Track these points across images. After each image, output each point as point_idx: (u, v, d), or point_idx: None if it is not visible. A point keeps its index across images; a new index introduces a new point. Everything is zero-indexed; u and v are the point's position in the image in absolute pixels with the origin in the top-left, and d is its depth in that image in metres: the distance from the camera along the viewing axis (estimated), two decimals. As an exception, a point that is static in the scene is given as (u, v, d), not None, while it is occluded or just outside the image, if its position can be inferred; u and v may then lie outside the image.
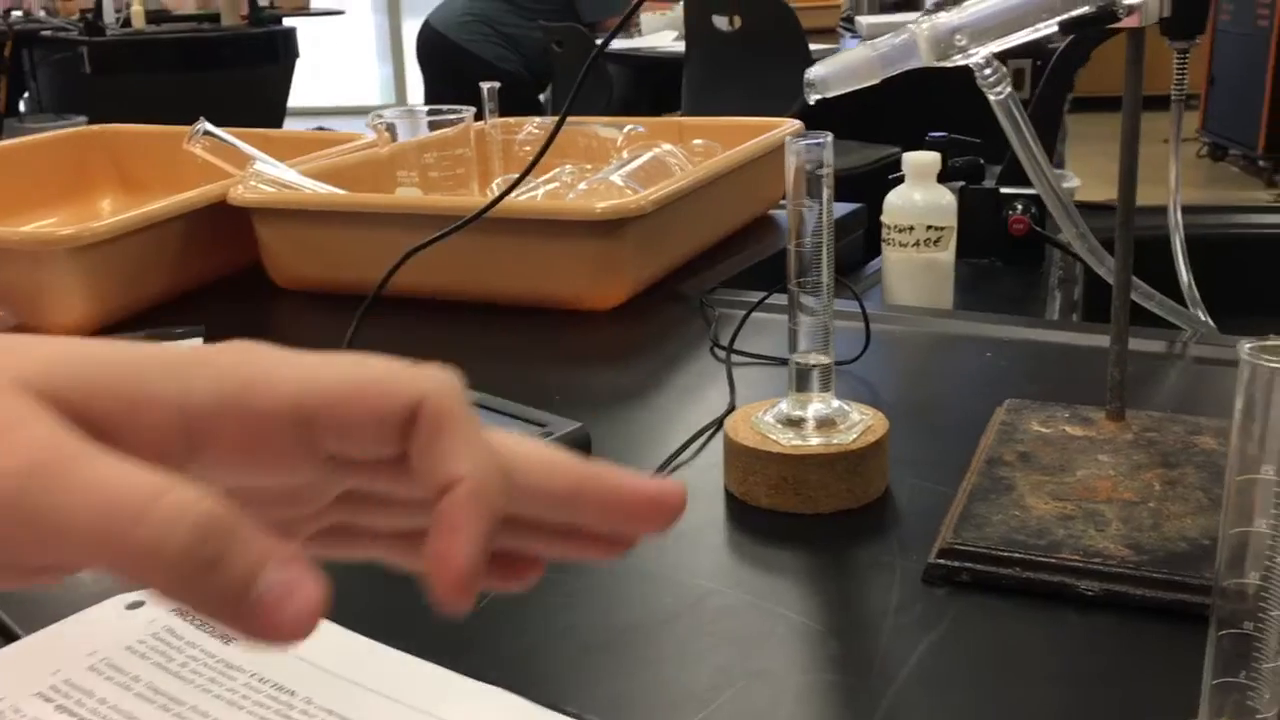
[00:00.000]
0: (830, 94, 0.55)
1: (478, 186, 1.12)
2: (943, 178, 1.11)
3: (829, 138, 0.55)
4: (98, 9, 4.87)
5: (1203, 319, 0.95)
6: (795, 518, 0.57)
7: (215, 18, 5.17)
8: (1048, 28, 0.49)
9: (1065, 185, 2.31)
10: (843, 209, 1.19)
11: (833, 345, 0.59)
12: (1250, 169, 5.14)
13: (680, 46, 3.14)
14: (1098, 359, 0.65)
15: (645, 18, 3.64)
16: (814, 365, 0.58)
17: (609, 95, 3.18)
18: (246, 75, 4.78)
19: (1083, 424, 0.62)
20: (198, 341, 0.85)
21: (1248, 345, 0.36)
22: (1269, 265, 1.39)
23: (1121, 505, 0.53)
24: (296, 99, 5.07)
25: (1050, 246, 1.18)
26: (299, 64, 5.00)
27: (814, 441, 0.58)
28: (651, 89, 3.64)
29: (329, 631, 0.47)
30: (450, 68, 3.62)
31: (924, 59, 0.52)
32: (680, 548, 0.57)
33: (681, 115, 3.30)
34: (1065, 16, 0.49)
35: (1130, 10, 0.51)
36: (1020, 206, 1.15)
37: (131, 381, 0.25)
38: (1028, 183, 1.23)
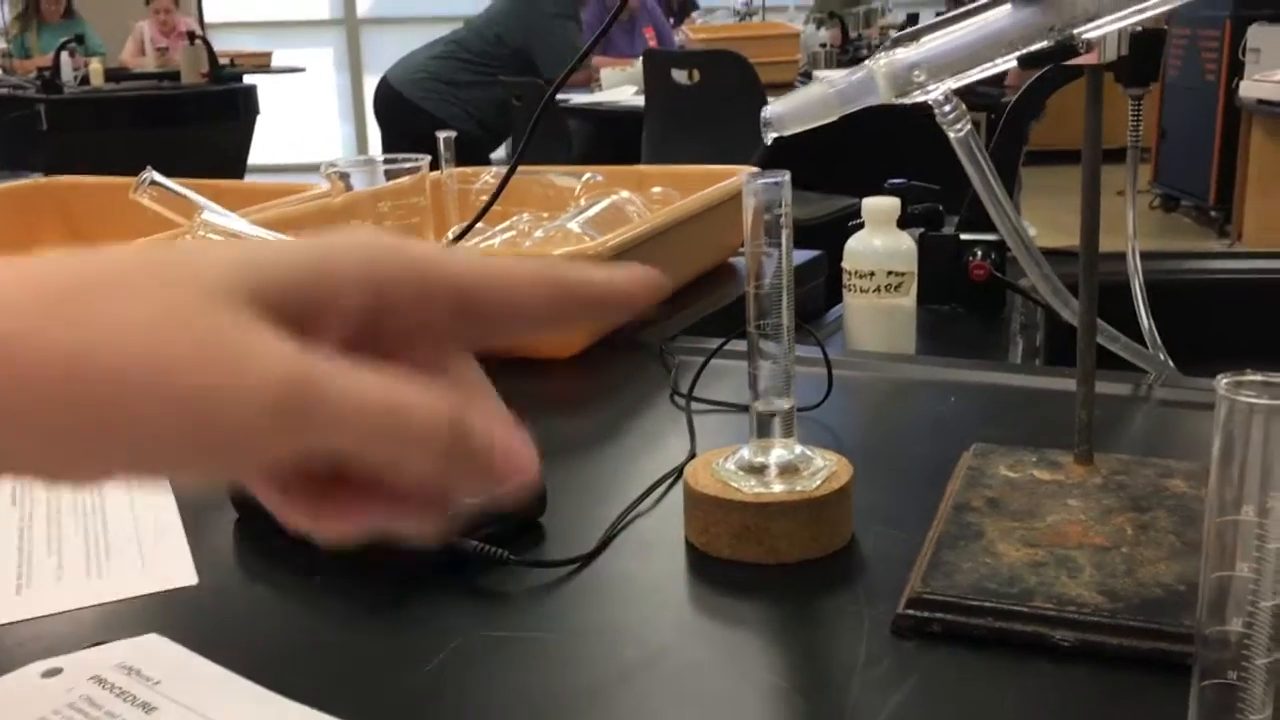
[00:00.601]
0: (788, 132, 0.54)
1: (434, 236, 1.10)
2: (902, 224, 1.10)
3: (786, 177, 0.54)
4: (55, 67, 4.84)
5: (1165, 361, 0.95)
6: (759, 568, 0.55)
7: (176, 75, 5.16)
8: (1006, 63, 0.49)
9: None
10: (803, 256, 1.19)
11: (794, 390, 0.57)
12: (1202, 219, 5.24)
13: (640, 101, 3.16)
14: (1063, 403, 0.64)
15: (605, 73, 3.67)
16: (776, 411, 0.57)
17: (568, 150, 3.19)
18: (206, 132, 4.76)
19: (1051, 468, 0.60)
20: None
21: (1224, 380, 0.34)
22: (1224, 310, 1.39)
23: (1094, 551, 0.52)
24: (259, 155, 5.06)
25: (1011, 292, 1.18)
26: (261, 120, 4.99)
27: (777, 489, 0.56)
28: (612, 143, 3.65)
29: (265, 699, 0.44)
30: (406, 125, 3.62)
31: (882, 95, 0.51)
32: (639, 602, 0.54)
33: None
34: (1024, 51, 0.48)
35: (1090, 46, 0.50)
36: (980, 252, 1.14)
37: (325, 276, 0.28)
38: (987, 229, 1.23)
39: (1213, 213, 5.02)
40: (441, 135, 1.21)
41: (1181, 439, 0.72)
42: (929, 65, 0.49)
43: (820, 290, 1.21)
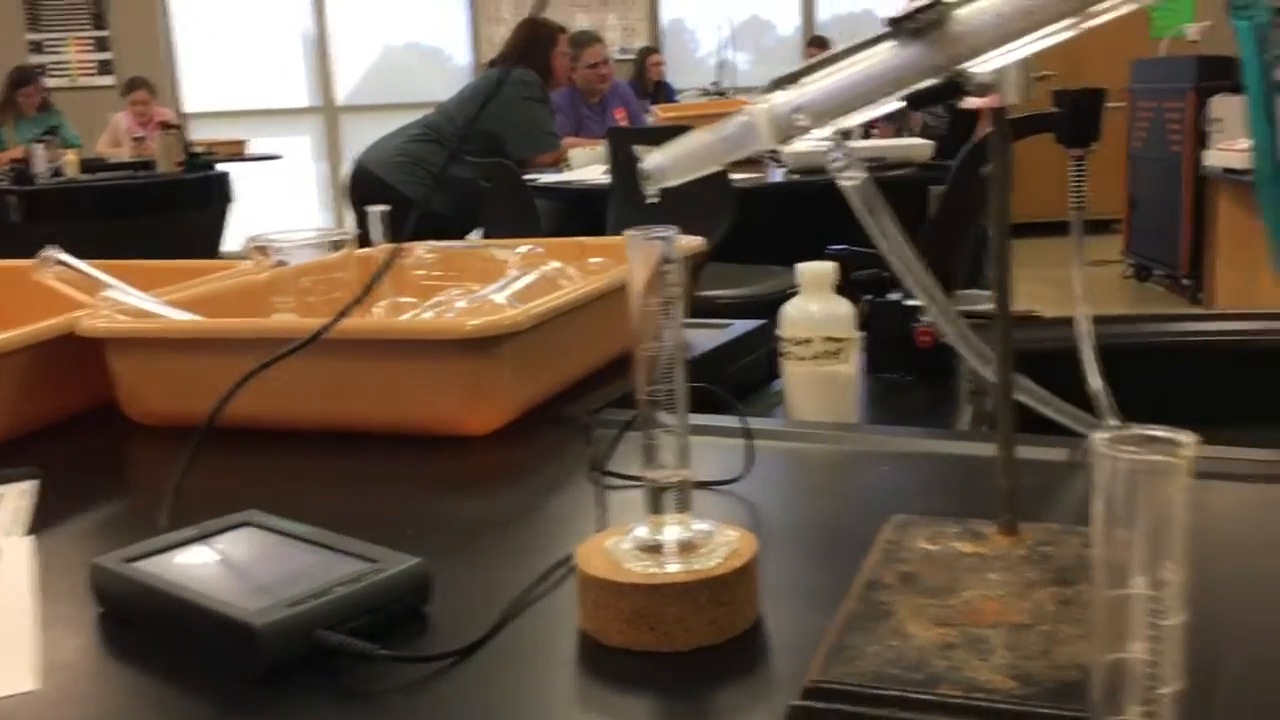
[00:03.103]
0: (670, 183, 0.50)
1: (359, 312, 1.06)
2: (847, 291, 1.07)
3: (674, 232, 0.51)
4: (28, 160, 4.85)
5: (1104, 422, 0.91)
6: (652, 657, 0.50)
7: (151, 164, 5.17)
8: (892, 104, 0.45)
9: (986, 307, 2.30)
10: (745, 326, 1.15)
11: (689, 460, 0.53)
12: (1175, 288, 5.25)
13: (607, 179, 3.16)
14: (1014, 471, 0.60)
15: (574, 153, 3.68)
16: (669, 484, 0.52)
17: (537, 229, 3.18)
18: (179, 219, 4.75)
19: (973, 539, 0.56)
20: (30, 486, 0.77)
21: (1102, 437, 0.30)
22: (1189, 373, 1.36)
23: (1010, 629, 0.47)
24: (239, 243, 5.06)
25: (961, 358, 1.15)
26: (242, 207, 5.00)
27: (672, 568, 0.51)
28: (582, 221, 3.64)
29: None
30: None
31: (764, 141, 0.48)
32: (521, 699, 0.49)
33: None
34: (910, 90, 0.45)
35: (985, 89, 0.47)
36: (926, 319, 1.11)
37: None
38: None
39: (1185, 281, 5.04)
40: (374, 210, 1.18)
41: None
42: (811, 109, 0.46)
43: (764, 360, 1.17)
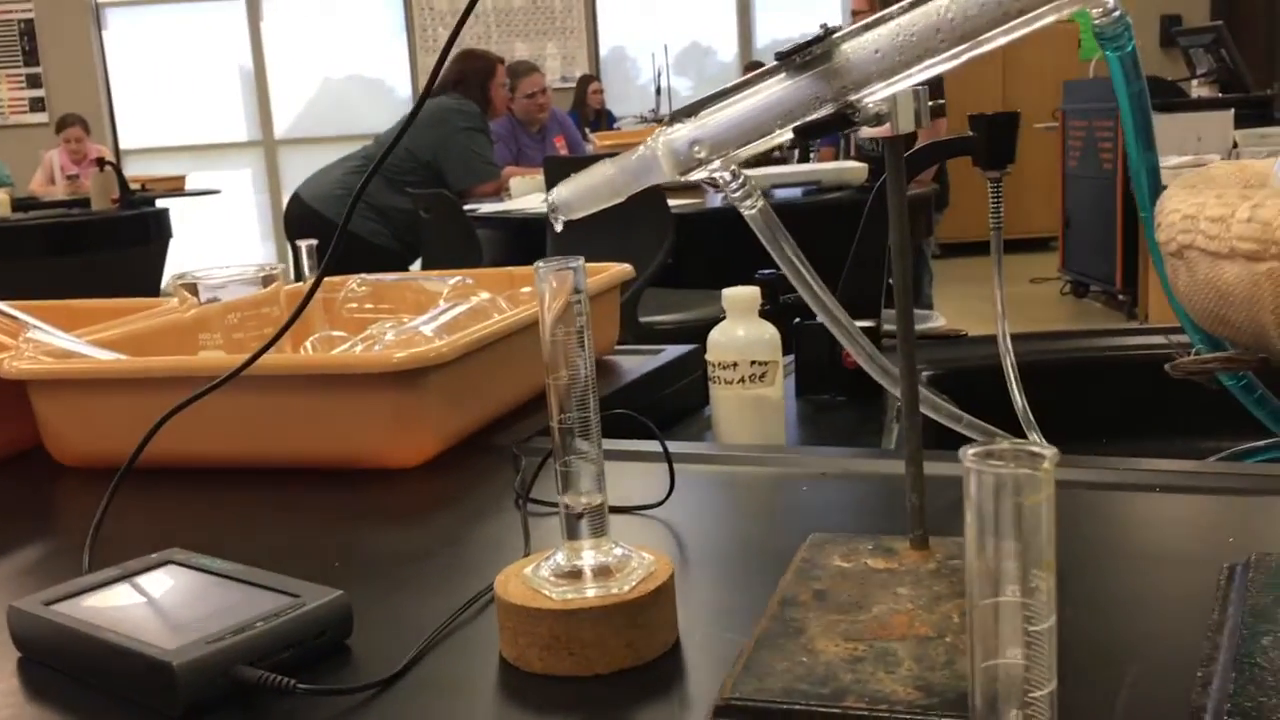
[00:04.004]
0: (575, 216, 0.51)
1: (291, 346, 1.07)
2: (776, 314, 1.09)
3: (580, 261, 0.52)
4: (-42, 199, 4.77)
5: (1028, 436, 0.93)
6: (572, 682, 0.51)
7: (86, 202, 5.10)
8: (784, 134, 0.47)
9: (931, 324, 2.34)
10: (676, 351, 1.17)
11: (604, 485, 0.54)
12: (1112, 303, 5.36)
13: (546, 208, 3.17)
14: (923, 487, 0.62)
15: (514, 182, 3.69)
16: (583, 510, 0.53)
17: (479, 259, 3.18)
18: (117, 257, 4.68)
19: (885, 555, 0.57)
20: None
21: (970, 451, 0.32)
22: (1119, 386, 1.39)
23: (916, 642, 0.48)
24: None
25: (889, 378, 1.17)
26: (184, 243, 4.94)
27: (589, 593, 0.52)
28: (524, 251, 3.65)
29: None
30: (322, 241, 3.58)
31: (665, 173, 0.49)
32: (441, 726, 0.50)
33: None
34: (801, 122, 0.46)
35: (878, 119, 0.49)
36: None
37: None
38: (862, 315, 1.22)
39: (1120, 296, 5.15)
40: (303, 244, 1.18)
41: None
42: (708, 141, 0.48)
43: (698, 385, 1.19)
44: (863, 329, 1.23)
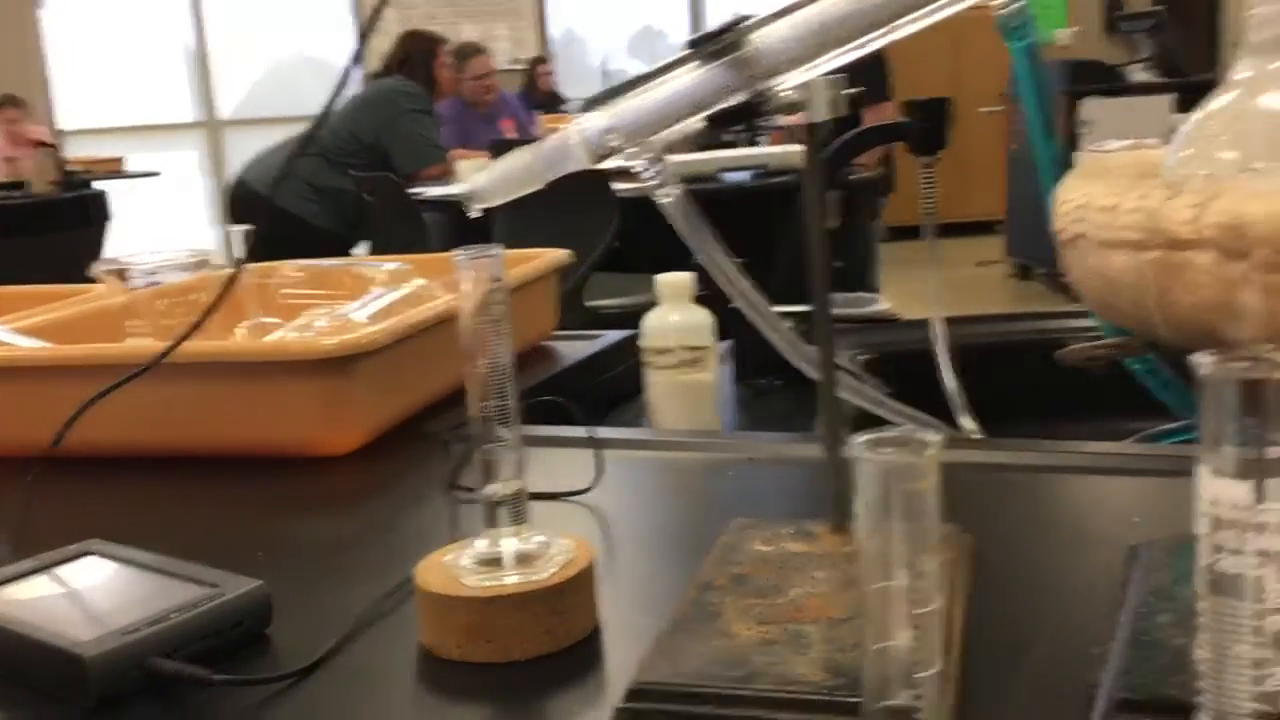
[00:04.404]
0: (493, 203, 0.52)
1: (220, 332, 1.05)
2: (714, 301, 1.09)
3: (499, 250, 0.52)
4: (-109, 182, 4.65)
5: (958, 421, 0.94)
6: (490, 669, 0.51)
7: (24, 185, 5.00)
8: (697, 122, 0.47)
9: (874, 308, 2.35)
10: (613, 337, 1.17)
11: (525, 473, 0.54)
12: (1055, 286, 5.43)
13: (494, 191, 3.15)
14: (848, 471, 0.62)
15: (461, 165, 3.66)
16: (504, 498, 0.53)
17: (425, 244, 3.16)
18: (56, 240, 4.59)
19: (805, 539, 0.58)
20: None
21: (860, 441, 0.32)
22: (1048, 369, 1.41)
23: (828, 624, 0.49)
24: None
25: (824, 362, 1.18)
26: (123, 225, 4.85)
27: (509, 581, 0.52)
28: (471, 235, 3.63)
29: None
30: (258, 226, 3.53)
31: (581, 161, 0.49)
32: (358, 713, 0.50)
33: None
34: (712, 110, 0.47)
35: (793, 106, 0.49)
36: (789, 325, 1.14)
37: None
38: (797, 300, 1.23)
39: (1062, 279, 5.21)
40: (235, 229, 1.17)
41: (951, 501, 0.71)
42: (621, 129, 0.48)
43: (634, 371, 1.19)
44: (801, 313, 1.25)
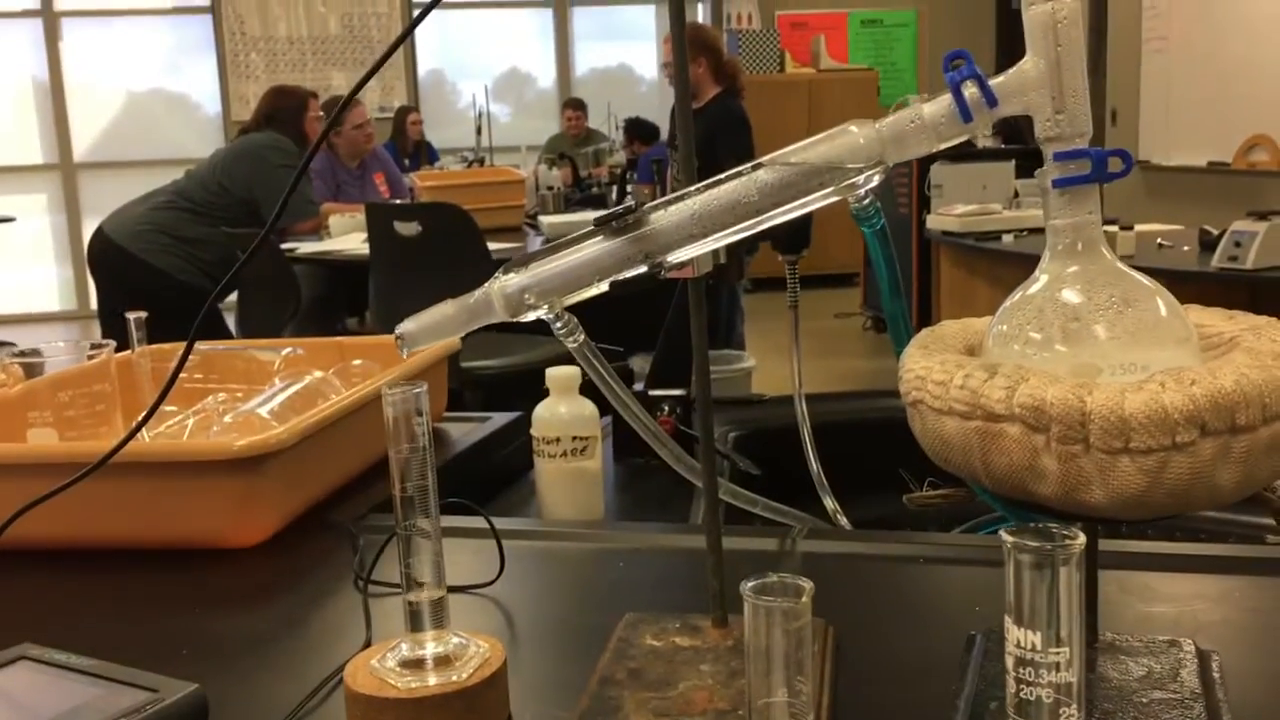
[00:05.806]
0: (419, 348, 0.58)
1: (122, 422, 1.08)
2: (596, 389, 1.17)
3: (424, 387, 0.59)
4: None
5: (817, 499, 1.03)
6: (415, 762, 0.57)
7: None
8: (600, 286, 0.55)
9: (740, 366, 2.49)
10: (503, 419, 1.24)
11: (444, 582, 0.60)
12: (909, 338, 5.68)
13: (367, 249, 3.18)
14: (726, 562, 0.70)
15: (333, 220, 3.68)
16: (424, 605, 0.60)
17: (295, 303, 3.16)
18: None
19: (691, 634, 0.66)
20: None
21: (748, 586, 0.40)
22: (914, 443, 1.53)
23: (716, 716, 0.57)
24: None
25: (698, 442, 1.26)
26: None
27: (431, 682, 0.59)
28: (346, 290, 3.64)
29: None
30: (124, 277, 3.47)
31: (500, 315, 0.56)
32: (296, 810, 0.55)
33: (370, 314, 3.32)
34: (616, 278, 0.55)
35: (681, 265, 0.58)
36: (667, 407, 1.22)
37: None
38: (674, 384, 1.32)
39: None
40: (132, 316, 1.19)
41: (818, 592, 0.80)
42: (537, 289, 0.55)
43: (523, 450, 1.26)
44: (678, 396, 1.33)
